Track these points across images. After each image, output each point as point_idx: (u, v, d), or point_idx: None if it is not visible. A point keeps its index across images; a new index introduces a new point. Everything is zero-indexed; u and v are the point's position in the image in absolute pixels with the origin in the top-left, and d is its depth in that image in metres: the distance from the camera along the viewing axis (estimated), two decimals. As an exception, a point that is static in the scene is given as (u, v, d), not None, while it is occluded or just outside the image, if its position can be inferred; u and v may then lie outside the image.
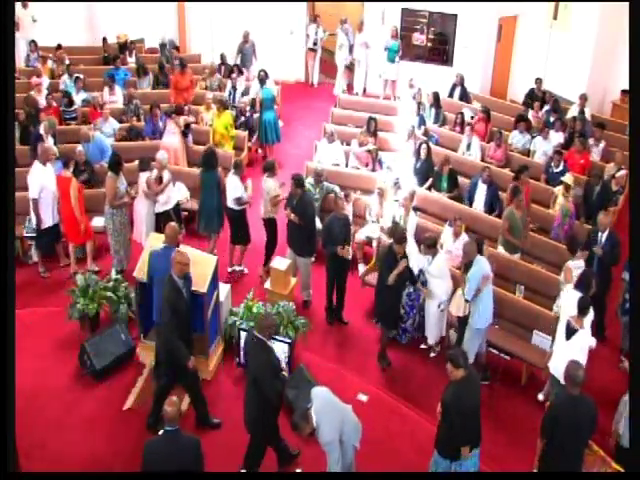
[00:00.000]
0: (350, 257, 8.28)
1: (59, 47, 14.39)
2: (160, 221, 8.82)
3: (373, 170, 10.91)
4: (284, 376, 6.00)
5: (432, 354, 8.06)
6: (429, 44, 15.55)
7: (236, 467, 6.21)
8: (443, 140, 11.99)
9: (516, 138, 11.80)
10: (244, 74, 13.82)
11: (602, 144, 11.41)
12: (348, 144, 11.53)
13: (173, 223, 7.38)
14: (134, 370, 7.46)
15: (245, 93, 13.08)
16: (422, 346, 8.09)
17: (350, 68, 14.82)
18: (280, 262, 8.26)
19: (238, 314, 7.73)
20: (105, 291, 7.90)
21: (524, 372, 7.66)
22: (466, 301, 7.24)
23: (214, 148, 10.08)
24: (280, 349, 7.23)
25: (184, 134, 11.07)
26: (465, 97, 13.71)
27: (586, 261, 7.72)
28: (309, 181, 9.79)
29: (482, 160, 11.27)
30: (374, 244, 9.15)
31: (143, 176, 8.93)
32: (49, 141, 9.91)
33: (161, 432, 5.07)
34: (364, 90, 15.75)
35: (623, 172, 9.94)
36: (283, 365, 6.18)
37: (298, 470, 6.31)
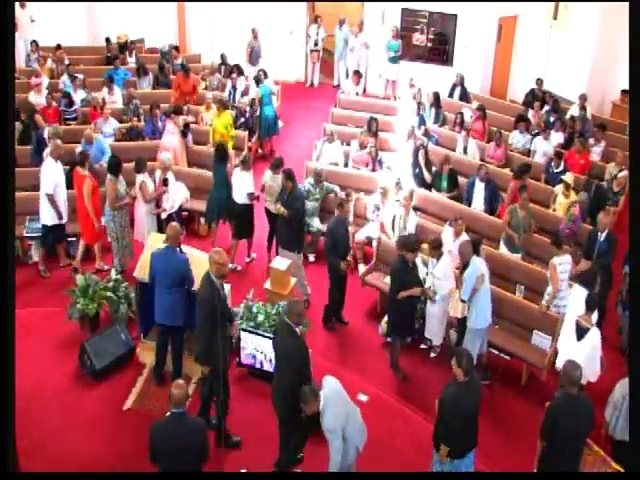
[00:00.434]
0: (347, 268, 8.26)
1: (59, 47, 14.39)
2: (163, 223, 8.81)
3: (373, 170, 10.91)
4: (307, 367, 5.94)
5: (432, 354, 8.05)
6: (429, 44, 15.55)
7: (236, 467, 6.22)
8: (443, 140, 11.99)
9: (516, 138, 11.80)
10: (244, 74, 13.82)
11: (602, 144, 11.41)
12: (348, 144, 11.53)
13: (174, 223, 7.37)
14: (134, 370, 7.46)
15: (245, 93, 13.08)
16: (422, 346, 8.09)
17: (358, 74, 14.78)
18: (280, 262, 8.26)
19: (238, 314, 7.73)
20: (105, 291, 7.90)
21: (524, 372, 7.66)
22: (462, 301, 7.24)
23: (226, 142, 10.49)
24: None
25: (183, 134, 11.07)
26: (465, 97, 13.72)
27: (587, 260, 7.75)
28: (309, 181, 9.80)
29: (481, 160, 11.28)
30: (374, 244, 9.14)
31: (139, 178, 8.89)
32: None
33: (168, 414, 5.10)
34: (364, 90, 15.76)
35: (625, 173, 9.93)
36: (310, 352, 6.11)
37: (298, 470, 6.31)
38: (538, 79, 13.55)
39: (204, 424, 5.26)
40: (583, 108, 12.48)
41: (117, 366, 7.42)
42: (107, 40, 15.24)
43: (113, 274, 8.45)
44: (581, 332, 6.53)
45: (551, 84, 13.75)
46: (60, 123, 11.54)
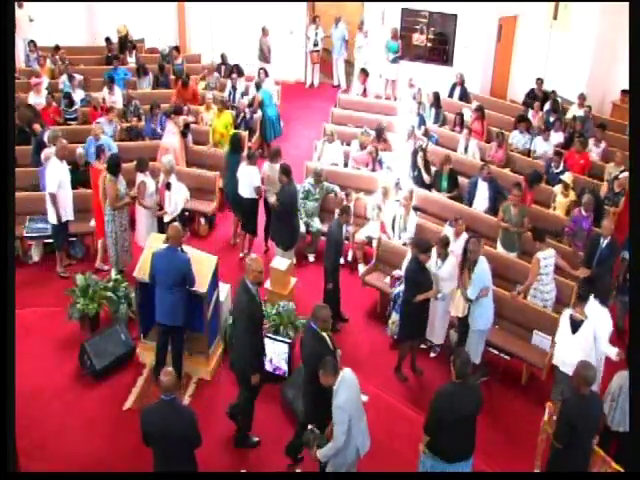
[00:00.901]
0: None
1: (57, 48, 14.38)
2: (165, 225, 8.77)
3: (373, 170, 10.91)
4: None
5: (432, 354, 8.06)
6: (429, 44, 15.54)
7: (236, 467, 6.22)
8: (443, 140, 11.99)
9: (516, 138, 11.80)
10: (244, 74, 13.81)
11: (602, 145, 11.41)
12: (348, 144, 11.53)
13: (176, 223, 7.38)
14: (134, 370, 7.47)
15: (245, 93, 13.09)
16: (422, 346, 8.09)
17: (365, 72, 14.79)
18: (280, 262, 8.26)
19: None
20: (105, 291, 7.90)
21: (524, 372, 7.66)
22: (468, 300, 7.23)
23: (241, 132, 10.92)
24: (280, 349, 7.26)
25: (183, 134, 11.07)
26: (465, 97, 13.72)
27: (586, 265, 7.78)
28: (309, 181, 9.80)
29: (482, 160, 11.28)
30: (374, 244, 9.15)
31: (140, 177, 8.89)
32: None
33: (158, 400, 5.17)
34: (364, 90, 15.73)
35: (626, 173, 9.93)
36: (337, 353, 6.05)
37: (298, 470, 6.31)
38: (538, 79, 13.55)
39: (192, 411, 5.32)
40: (583, 108, 12.46)
41: (117, 366, 7.42)
42: (107, 40, 15.23)
43: (113, 274, 8.46)
44: (575, 325, 6.55)
45: (551, 84, 13.75)
46: (60, 123, 11.56)
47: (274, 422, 6.84)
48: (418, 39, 15.55)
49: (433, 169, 10.60)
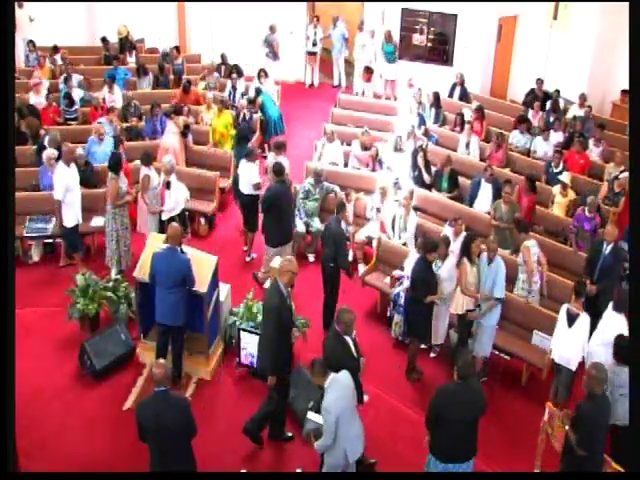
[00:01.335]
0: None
1: (55, 48, 14.37)
2: (164, 224, 8.77)
3: (373, 170, 10.91)
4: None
5: (432, 354, 8.05)
6: (429, 44, 15.53)
7: (236, 467, 6.21)
8: (443, 140, 11.99)
9: (516, 138, 11.81)
10: (243, 74, 13.80)
11: (602, 145, 11.41)
12: (349, 144, 11.54)
13: (175, 223, 7.38)
14: (134, 370, 7.47)
15: (245, 93, 13.09)
16: (422, 346, 8.08)
17: (369, 70, 14.77)
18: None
19: (238, 314, 7.73)
20: (105, 291, 7.90)
21: (524, 372, 7.66)
22: (498, 300, 7.29)
23: (247, 124, 11.39)
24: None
25: (183, 134, 11.07)
26: (465, 97, 13.72)
27: (589, 274, 7.79)
28: (309, 181, 9.80)
29: (481, 159, 11.29)
30: (374, 244, 9.15)
31: (144, 171, 8.93)
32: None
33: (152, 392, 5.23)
34: (363, 90, 15.74)
35: (626, 174, 9.93)
36: (361, 361, 6.06)
37: (298, 470, 6.31)
38: (538, 79, 13.54)
39: (187, 402, 5.35)
40: (584, 108, 12.46)
41: (117, 366, 7.42)
42: (103, 40, 15.20)
43: (113, 274, 8.45)
44: (572, 318, 6.64)
45: (551, 84, 13.74)
46: (60, 123, 11.56)
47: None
48: (418, 39, 15.54)
49: (433, 169, 10.60)
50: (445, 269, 7.51)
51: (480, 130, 12.11)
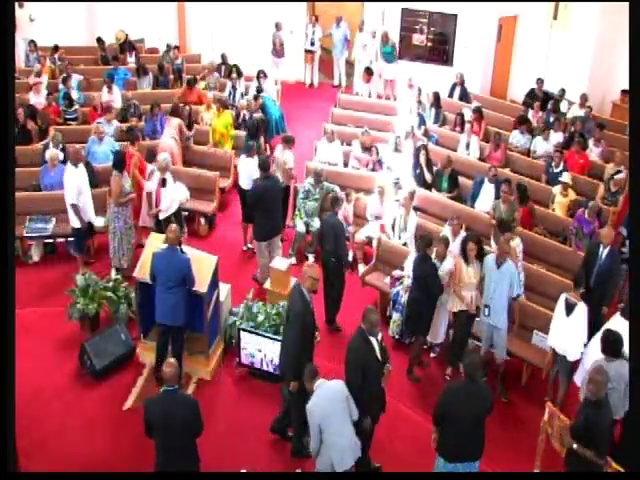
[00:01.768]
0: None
1: (56, 48, 14.37)
2: (161, 224, 8.78)
3: (373, 170, 10.91)
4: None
5: (432, 354, 8.05)
6: (429, 44, 15.53)
7: (236, 467, 6.21)
8: (443, 140, 11.99)
9: (516, 138, 11.81)
10: (243, 74, 13.79)
11: (602, 145, 11.41)
12: (349, 144, 11.53)
13: (174, 224, 7.37)
14: (134, 370, 7.47)
15: (245, 93, 13.09)
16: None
17: (369, 71, 14.78)
18: (280, 262, 8.26)
19: (238, 314, 7.73)
20: (105, 291, 7.90)
21: (524, 372, 7.66)
22: (515, 299, 7.29)
23: (259, 119, 11.45)
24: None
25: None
26: (465, 97, 13.72)
27: (585, 276, 7.67)
28: (309, 181, 9.81)
29: (481, 159, 11.29)
30: (374, 244, 9.14)
31: (149, 168, 9.00)
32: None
33: (161, 390, 5.31)
34: (369, 92, 15.71)
35: (621, 175, 9.94)
36: (386, 364, 6.02)
37: (298, 470, 6.31)
38: (538, 79, 13.55)
39: (195, 401, 5.39)
40: (584, 108, 12.46)
41: (117, 366, 7.42)
42: (98, 40, 15.18)
43: (113, 274, 8.45)
44: (570, 307, 6.70)
45: (551, 84, 13.75)
46: (60, 123, 11.56)
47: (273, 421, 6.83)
48: (418, 39, 15.54)
49: (434, 169, 10.60)
50: (444, 269, 7.50)
51: (479, 131, 12.11)
